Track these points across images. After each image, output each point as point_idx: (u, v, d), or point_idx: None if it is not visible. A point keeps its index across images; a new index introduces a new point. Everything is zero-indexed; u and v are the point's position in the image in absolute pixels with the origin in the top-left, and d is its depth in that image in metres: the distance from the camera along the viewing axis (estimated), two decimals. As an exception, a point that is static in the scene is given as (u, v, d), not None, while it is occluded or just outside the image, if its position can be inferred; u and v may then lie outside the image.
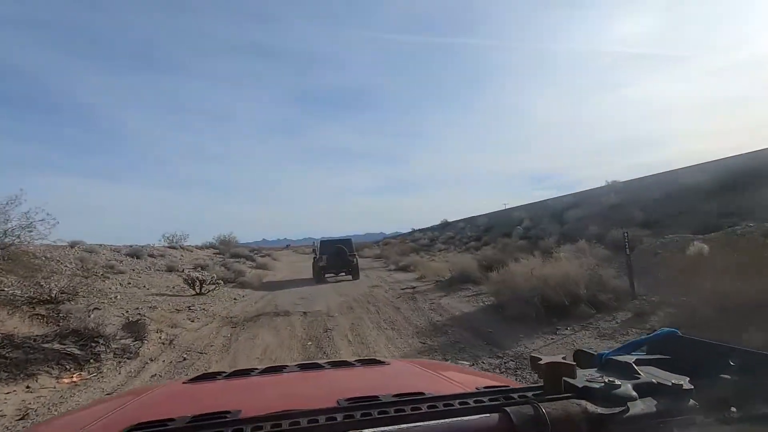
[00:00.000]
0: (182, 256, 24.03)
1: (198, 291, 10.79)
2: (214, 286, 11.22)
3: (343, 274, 15.83)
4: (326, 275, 15.58)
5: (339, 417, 0.56)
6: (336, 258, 15.40)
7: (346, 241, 16.76)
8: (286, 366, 1.30)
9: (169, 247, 26.93)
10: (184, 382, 1.24)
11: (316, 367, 1.28)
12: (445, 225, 43.79)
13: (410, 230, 60.68)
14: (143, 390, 1.28)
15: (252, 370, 1.28)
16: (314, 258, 16.50)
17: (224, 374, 1.25)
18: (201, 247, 32.75)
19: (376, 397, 0.71)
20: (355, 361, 1.34)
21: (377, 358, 1.42)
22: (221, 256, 27.68)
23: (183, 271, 17.37)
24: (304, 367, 1.28)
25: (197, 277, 10.77)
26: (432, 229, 46.78)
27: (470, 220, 37.86)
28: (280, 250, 56.55)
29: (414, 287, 11.52)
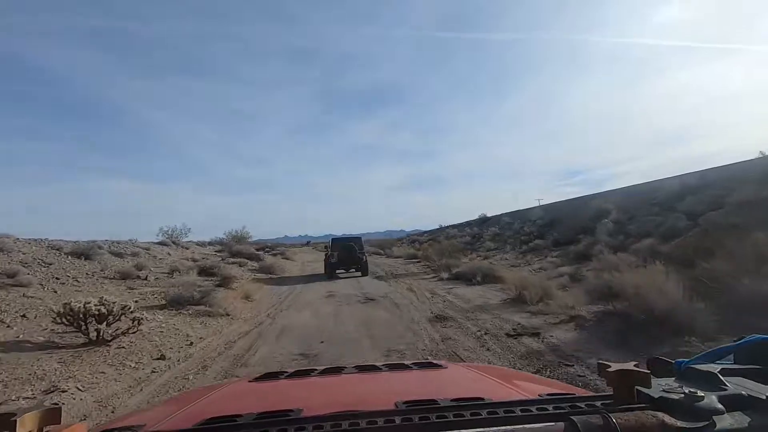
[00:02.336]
0: (169, 254, 18.68)
1: (93, 337, 5.11)
2: (129, 325, 5.50)
3: (353, 270, 15.57)
4: (337, 271, 15.31)
5: (397, 419, 0.54)
6: (346, 255, 15.14)
7: (356, 240, 16.71)
8: (345, 367, 1.29)
9: (160, 244, 21.73)
10: (249, 381, 1.25)
11: (374, 369, 1.27)
12: (484, 220, 37.40)
13: (438, 226, 54.51)
14: (212, 387, 1.26)
15: (312, 370, 1.28)
16: (326, 255, 16.08)
17: (286, 374, 1.27)
18: (203, 244, 27.58)
19: (434, 401, 0.68)
20: (412, 363, 1.30)
21: (434, 362, 1.36)
22: (223, 254, 22.32)
23: (146, 278, 11.92)
24: (361, 368, 1.27)
25: (87, 311, 5.05)
26: (466, 224, 40.42)
27: (517, 215, 31.48)
28: (300, 247, 52.22)
29: (536, 331, 5.51)
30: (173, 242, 23.50)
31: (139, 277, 11.64)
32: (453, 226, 43.20)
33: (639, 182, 21.99)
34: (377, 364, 1.32)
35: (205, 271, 13.72)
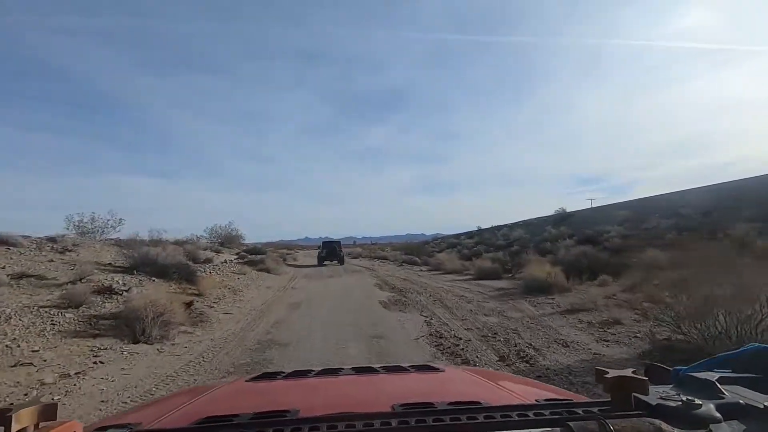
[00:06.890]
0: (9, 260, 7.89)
1: None
2: None
3: (335, 262, 22.86)
4: (324, 262, 22.70)
5: (394, 422, 0.53)
6: (330, 252, 23.32)
7: (337, 242, 24.78)
8: (342, 369, 1.25)
9: (47, 239, 11.10)
10: (246, 380, 1.22)
11: (371, 371, 1.23)
12: (564, 217, 25.64)
13: (477, 228, 42.88)
14: (209, 387, 1.21)
15: (309, 371, 1.23)
16: (319, 251, 24.28)
17: (283, 374, 1.23)
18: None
19: (431, 404, 0.67)
20: (410, 366, 1.26)
21: (431, 364, 1.32)
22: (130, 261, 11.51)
23: None
24: (359, 370, 1.23)
25: None
26: (535, 222, 28.67)
27: (631, 206, 19.65)
28: (316, 249, 42.97)
29: None
30: (72, 242, 12.80)
31: None
32: (511, 226, 31.40)
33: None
34: (374, 366, 1.28)
35: None
